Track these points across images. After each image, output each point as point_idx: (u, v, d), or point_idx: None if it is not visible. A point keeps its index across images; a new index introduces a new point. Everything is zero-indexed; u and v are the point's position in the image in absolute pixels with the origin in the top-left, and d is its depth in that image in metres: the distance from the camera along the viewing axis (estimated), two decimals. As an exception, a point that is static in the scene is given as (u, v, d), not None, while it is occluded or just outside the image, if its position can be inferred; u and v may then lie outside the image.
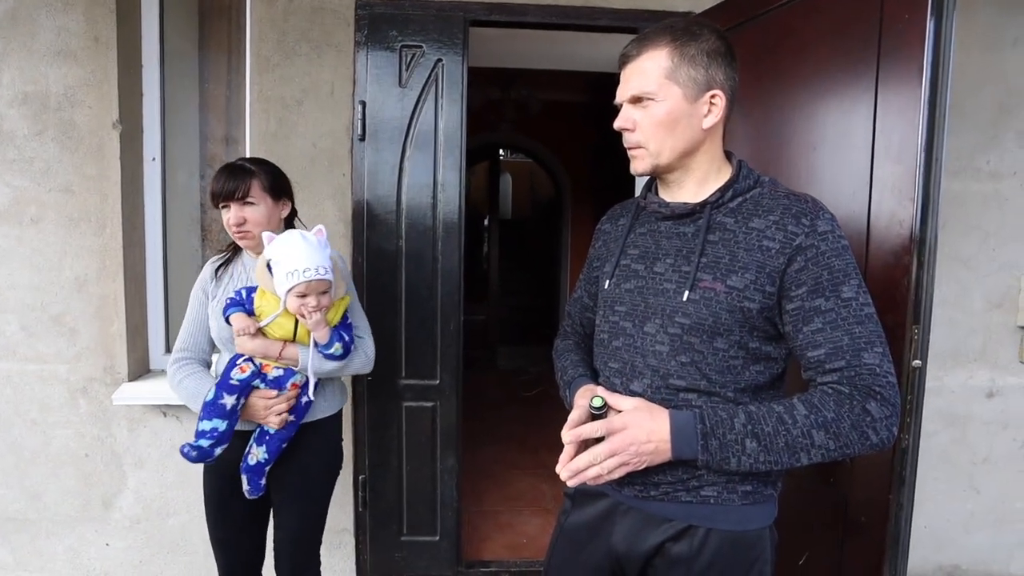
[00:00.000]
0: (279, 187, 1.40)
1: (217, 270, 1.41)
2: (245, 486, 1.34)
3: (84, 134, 1.93)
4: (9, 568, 2.07)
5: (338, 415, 1.48)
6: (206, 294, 1.40)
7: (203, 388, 1.31)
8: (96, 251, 1.97)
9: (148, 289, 2.11)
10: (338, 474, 1.51)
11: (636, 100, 0.88)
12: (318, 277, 1.21)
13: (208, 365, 1.42)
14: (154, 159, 2.09)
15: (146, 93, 2.06)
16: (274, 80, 1.97)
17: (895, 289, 1.32)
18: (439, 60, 1.98)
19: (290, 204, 1.44)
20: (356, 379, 2.07)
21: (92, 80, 1.92)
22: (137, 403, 2.00)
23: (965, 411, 2.12)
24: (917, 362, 1.30)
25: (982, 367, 2.10)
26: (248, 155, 2.02)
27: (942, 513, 2.16)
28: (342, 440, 1.52)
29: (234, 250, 1.44)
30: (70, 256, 1.97)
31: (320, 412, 1.41)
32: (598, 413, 0.85)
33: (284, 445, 1.35)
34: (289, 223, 1.47)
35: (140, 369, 2.07)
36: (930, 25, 1.22)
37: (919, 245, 1.29)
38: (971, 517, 2.17)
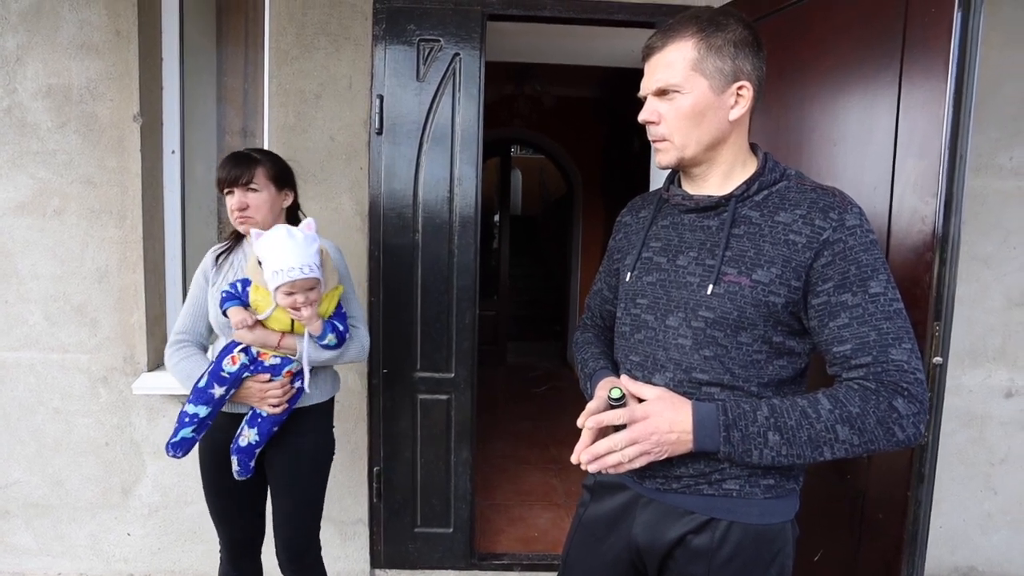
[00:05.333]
0: (283, 177, 1.43)
1: (218, 258, 1.44)
2: (235, 467, 1.37)
3: (106, 127, 1.96)
4: (33, 553, 2.11)
5: (330, 403, 1.51)
6: (207, 280, 1.44)
7: (196, 370, 1.35)
8: (117, 243, 2.00)
9: (167, 280, 2.14)
10: (331, 460, 1.52)
11: (661, 92, 0.87)
12: (302, 276, 1.21)
13: (205, 349, 1.46)
14: (173, 152, 2.11)
15: (166, 86, 2.08)
16: (292, 73, 1.98)
17: (916, 286, 1.31)
18: (456, 54, 1.98)
19: (292, 195, 1.47)
20: (372, 371, 2.08)
21: (114, 73, 1.94)
22: (156, 393, 2.03)
23: (983, 411, 2.10)
24: (938, 359, 1.29)
25: (1001, 367, 2.08)
26: (266, 148, 2.04)
27: (958, 514, 2.15)
28: (333, 427, 1.54)
29: (235, 239, 1.47)
30: (91, 247, 2.00)
31: (312, 399, 1.44)
32: (616, 404, 0.85)
33: (275, 429, 1.37)
34: (292, 214, 1.49)
35: (159, 359, 2.10)
36: (957, 18, 1.20)
37: (942, 242, 1.28)
38: (988, 518, 2.15)
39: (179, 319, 1.45)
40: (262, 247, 1.23)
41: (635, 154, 4.55)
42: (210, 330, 1.45)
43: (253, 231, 1.27)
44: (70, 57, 1.93)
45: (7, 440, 2.06)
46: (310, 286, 1.25)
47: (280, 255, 1.20)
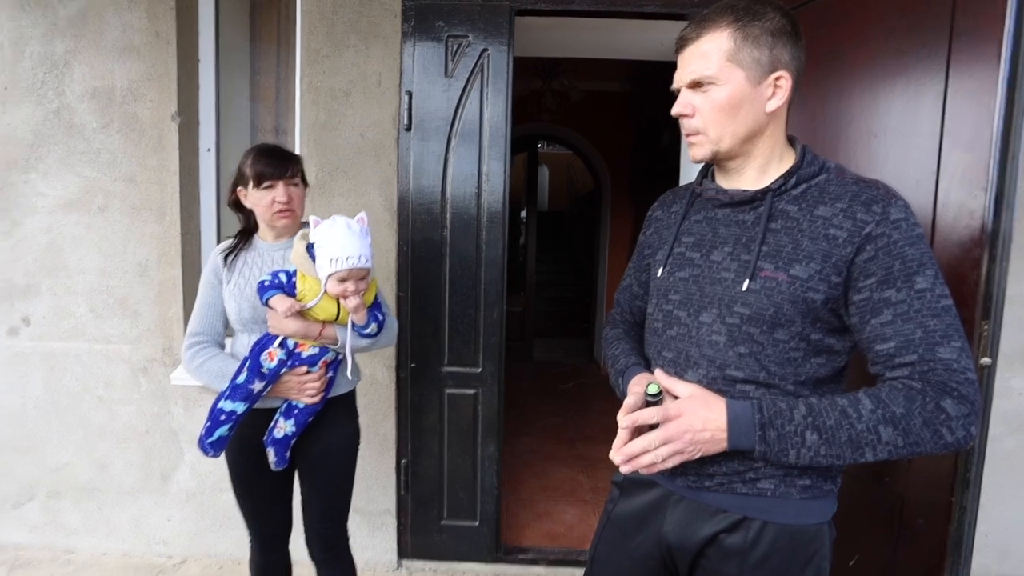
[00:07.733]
0: (305, 174, 1.47)
1: (227, 257, 1.43)
2: (271, 458, 1.39)
3: (146, 126, 2.03)
4: (80, 533, 2.22)
5: (354, 391, 1.53)
6: (219, 279, 1.42)
7: (227, 368, 1.35)
8: (156, 238, 2.07)
9: (204, 275, 2.20)
10: (358, 448, 1.54)
11: (696, 85, 0.85)
12: (359, 265, 1.25)
13: (222, 347, 1.45)
14: (209, 150, 2.17)
15: (202, 86, 2.14)
16: (323, 71, 2.01)
17: (963, 284, 1.26)
18: (485, 50, 1.98)
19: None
20: (400, 365, 2.11)
21: (154, 74, 2.01)
22: (192, 383, 2.09)
23: (1033, 415, 2.00)
24: (987, 360, 1.24)
25: (1054, 369, 1.97)
26: (297, 146, 2.08)
27: (1006, 522, 2.05)
28: (358, 416, 1.55)
29: (242, 237, 1.46)
30: (133, 243, 2.07)
31: (342, 388, 1.46)
32: (653, 400, 0.84)
33: (310, 419, 1.39)
34: None
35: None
36: (1012, 1, 1.14)
37: (992, 238, 1.22)
38: (1037, 527, 2.05)
39: (192, 321, 1.43)
40: (321, 234, 1.26)
41: (664, 149, 4.48)
42: (225, 327, 1.46)
43: (312, 218, 1.30)
44: (114, 60, 2.00)
45: (57, 425, 2.16)
46: (363, 275, 1.29)
47: (340, 243, 1.24)
